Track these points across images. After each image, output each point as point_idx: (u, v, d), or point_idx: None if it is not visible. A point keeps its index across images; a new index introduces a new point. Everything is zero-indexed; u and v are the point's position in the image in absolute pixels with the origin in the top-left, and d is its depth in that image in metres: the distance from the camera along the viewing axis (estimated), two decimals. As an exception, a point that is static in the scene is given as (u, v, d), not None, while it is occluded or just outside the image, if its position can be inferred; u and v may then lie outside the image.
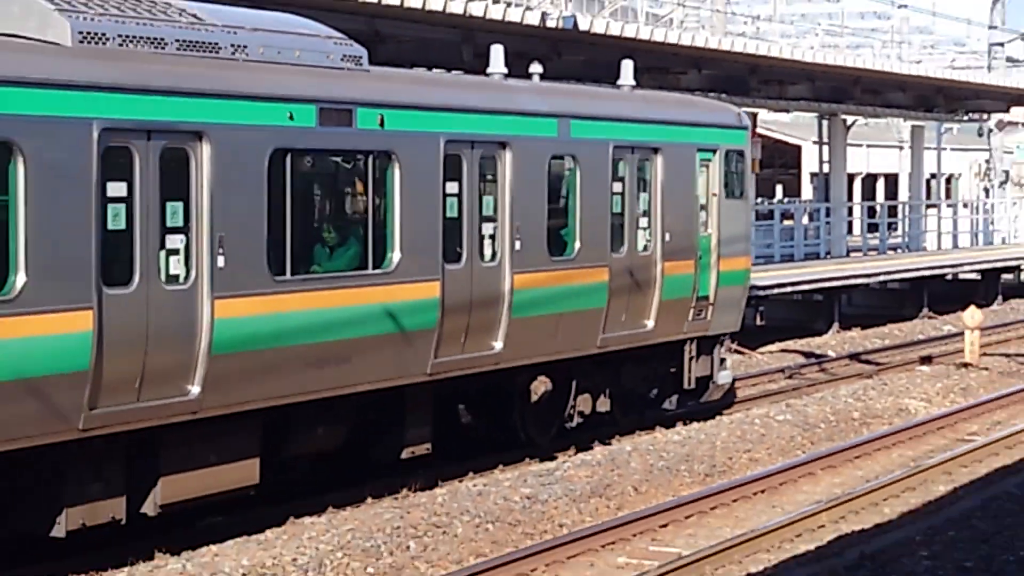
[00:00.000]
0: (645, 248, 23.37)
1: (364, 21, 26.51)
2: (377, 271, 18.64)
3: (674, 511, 19.21)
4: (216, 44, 17.14)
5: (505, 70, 22.15)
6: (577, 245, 21.99)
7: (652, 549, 17.85)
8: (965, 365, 32.30)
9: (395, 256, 18.83)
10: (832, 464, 22.67)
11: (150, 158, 15.76)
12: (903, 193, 76.38)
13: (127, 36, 16.22)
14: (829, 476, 22.11)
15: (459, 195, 20.01)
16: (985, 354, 33.60)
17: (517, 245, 20.77)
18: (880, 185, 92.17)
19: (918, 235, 58.38)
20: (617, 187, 22.77)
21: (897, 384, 29.69)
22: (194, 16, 17.27)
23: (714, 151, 24.82)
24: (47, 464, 15.55)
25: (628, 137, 22.95)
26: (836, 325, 38.89)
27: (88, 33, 15.85)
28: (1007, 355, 34.56)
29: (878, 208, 61.74)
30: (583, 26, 31.04)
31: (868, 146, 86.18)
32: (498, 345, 20.67)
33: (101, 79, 15.45)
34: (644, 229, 23.38)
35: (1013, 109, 61.76)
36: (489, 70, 22.20)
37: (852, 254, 52.25)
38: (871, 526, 18.93)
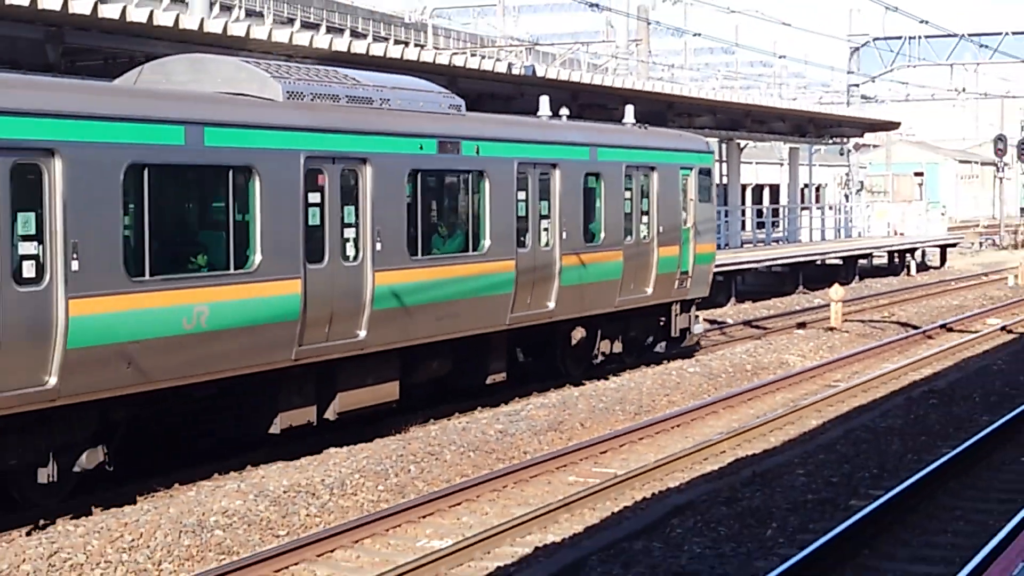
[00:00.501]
0: (645, 237, 25.12)
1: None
2: (474, 252, 20.70)
3: (611, 441, 19.22)
4: (370, 98, 19.02)
5: (550, 112, 24.87)
6: (602, 235, 23.77)
7: (595, 470, 17.85)
8: (831, 329, 32.35)
9: (486, 243, 20.86)
10: (730, 405, 22.69)
11: (335, 175, 17.77)
12: (783, 199, 76.49)
13: (316, 94, 18.00)
14: (728, 414, 22.13)
15: (526, 200, 21.86)
16: (846, 320, 33.64)
17: (564, 235, 22.60)
18: (766, 193, 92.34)
19: (795, 230, 58.46)
20: (627, 195, 24.63)
21: (779, 343, 29.72)
22: (355, 80, 19.16)
23: (691, 168, 26.69)
24: (270, 383, 17.17)
25: (635, 159, 24.89)
26: (733, 299, 38.91)
27: (292, 92, 17.64)
28: (863, 321, 34.61)
29: (764, 210, 61.78)
30: (540, 73, 31.02)
31: (756, 163, 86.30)
32: (552, 304, 22.38)
33: (303, 123, 17.32)
34: (645, 224, 25.16)
35: (866, 134, 62.00)
36: (539, 113, 24.82)
37: (745, 245, 52.28)
38: (760, 451, 18.96)
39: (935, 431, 19.94)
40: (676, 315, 26.63)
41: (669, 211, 25.76)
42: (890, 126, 59.80)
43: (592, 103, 34.19)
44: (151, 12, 20.43)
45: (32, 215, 13.80)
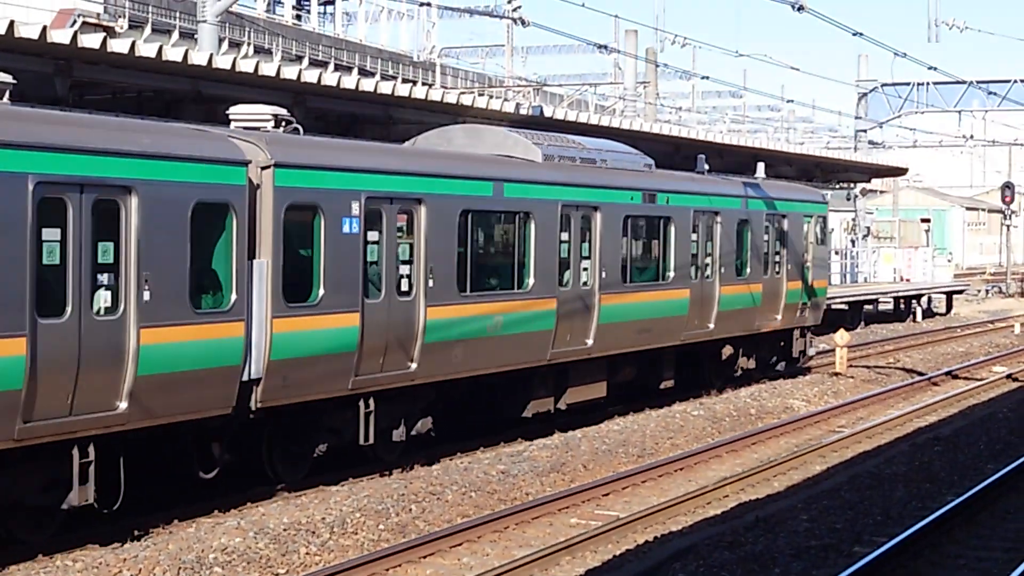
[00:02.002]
0: (777, 273, 29.92)
1: (381, 108, 26.48)
2: (662, 281, 25.59)
3: (614, 483, 19.16)
4: (594, 159, 24.02)
5: (706, 167, 29.30)
6: (748, 270, 28.59)
7: (597, 512, 17.80)
8: (836, 374, 32.31)
9: (671, 274, 25.82)
10: (734, 448, 22.64)
11: (577, 219, 22.75)
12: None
13: (560, 156, 23.07)
14: (732, 458, 22.08)
15: (698, 241, 26.58)
16: (851, 366, 33.60)
17: (723, 270, 27.49)
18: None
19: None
20: (766, 237, 29.42)
21: (784, 388, 29.67)
22: (581, 144, 24.12)
23: (811, 216, 31.63)
24: (526, 378, 22.03)
25: (773, 209, 29.78)
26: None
27: (547, 155, 22.73)
28: (868, 367, 34.56)
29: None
30: (547, 113, 31.11)
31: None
32: (712, 326, 27.15)
33: (559, 179, 22.30)
34: (777, 262, 29.95)
35: (873, 180, 62.00)
36: (696, 168, 29.13)
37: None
38: (764, 496, 18.91)
39: (940, 478, 19.87)
40: (796, 339, 31.44)
41: (795, 252, 30.70)
42: (897, 172, 59.87)
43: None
44: (160, 47, 20.51)
45: (408, 246, 19.05)
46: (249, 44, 70.04)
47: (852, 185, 61.31)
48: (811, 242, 31.56)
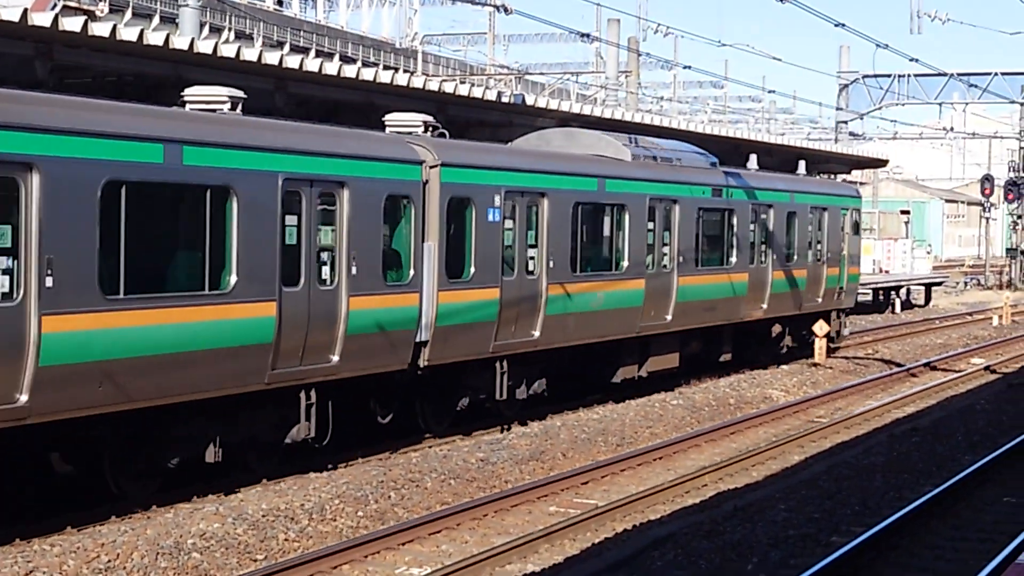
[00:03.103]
0: (819, 259, 33.21)
1: (361, 94, 26.43)
2: (724, 266, 28.89)
3: (593, 472, 19.20)
4: (670, 159, 27.12)
5: (756, 166, 32.43)
6: (795, 256, 32.00)
7: (576, 501, 17.83)
8: (815, 365, 32.41)
9: (733, 259, 29.01)
10: (713, 438, 22.69)
11: (661, 211, 26.02)
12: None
13: (647, 156, 26.38)
14: (711, 447, 22.13)
15: (754, 230, 29.96)
16: (830, 357, 33.70)
17: (774, 256, 30.81)
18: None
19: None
20: (810, 228, 32.72)
21: (763, 378, 29.76)
22: (661, 146, 27.38)
23: (848, 209, 35.00)
24: (618, 348, 25.29)
25: (816, 202, 33.09)
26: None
27: (635, 155, 25.97)
28: (847, 358, 34.66)
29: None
30: (529, 102, 31.06)
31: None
32: (765, 306, 30.48)
33: (646, 176, 25.73)
34: (819, 249, 33.26)
35: (853, 171, 62.06)
36: (748, 165, 32.36)
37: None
38: (742, 485, 18.96)
39: (918, 469, 19.96)
40: (834, 319, 34.60)
41: (833, 241, 33.95)
42: (878, 163, 59.91)
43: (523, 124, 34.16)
44: (141, 31, 20.42)
45: (534, 233, 22.29)
46: (230, 29, 69.79)
47: (833, 176, 61.37)
48: (847, 232, 34.82)
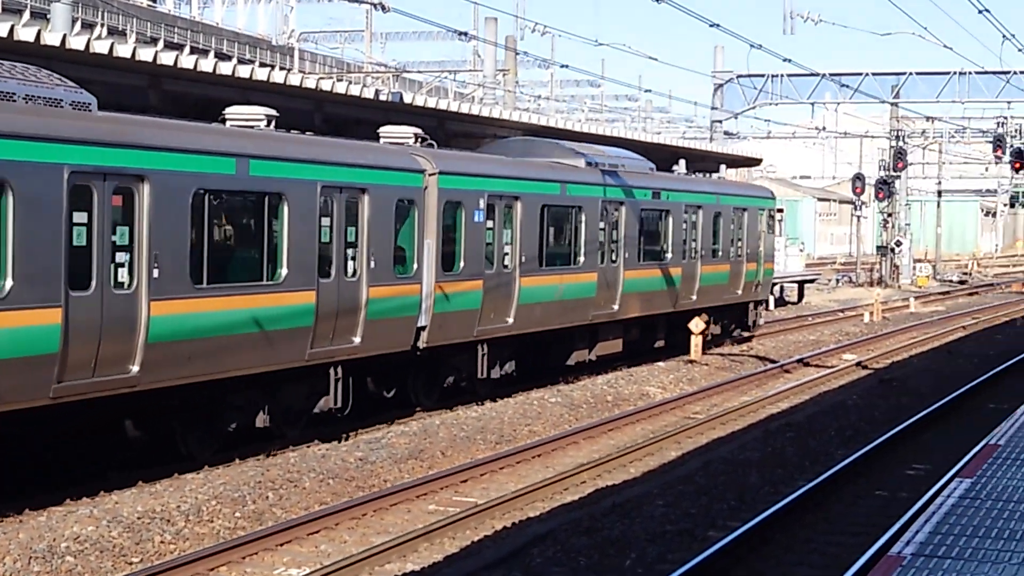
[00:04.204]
0: (738, 256, 36.32)
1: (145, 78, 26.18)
2: (664, 261, 32.27)
3: (472, 470, 19.22)
4: (616, 165, 30.13)
5: (685, 171, 37.00)
6: (720, 253, 35.15)
7: (455, 499, 17.84)
8: (691, 362, 32.70)
9: (669, 255, 32.31)
10: (591, 435, 22.81)
11: (611, 212, 29.00)
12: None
13: (598, 163, 29.23)
14: (589, 444, 22.25)
15: (686, 229, 33.08)
16: (706, 353, 34.01)
17: (703, 253, 33.86)
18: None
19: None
20: (732, 227, 35.89)
21: (640, 375, 29.98)
22: (603, 151, 30.31)
23: (763, 209, 38.23)
24: (573, 334, 28.33)
25: (736, 203, 36.36)
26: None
27: (589, 162, 28.88)
28: (722, 354, 35.01)
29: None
30: (407, 99, 30.99)
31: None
32: (695, 297, 33.61)
33: (598, 181, 28.70)
34: (740, 247, 36.40)
35: (728, 169, 62.62)
36: (674, 168, 36.59)
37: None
38: (620, 482, 19.09)
39: (792, 464, 20.24)
40: (751, 311, 38.37)
41: (752, 239, 37.16)
42: (752, 162, 60.64)
43: (459, 132, 34.25)
44: (12, 26, 20.06)
45: (509, 232, 25.47)
46: (103, 25, 68.82)
47: (708, 175, 61.97)
48: (763, 231, 38.19)
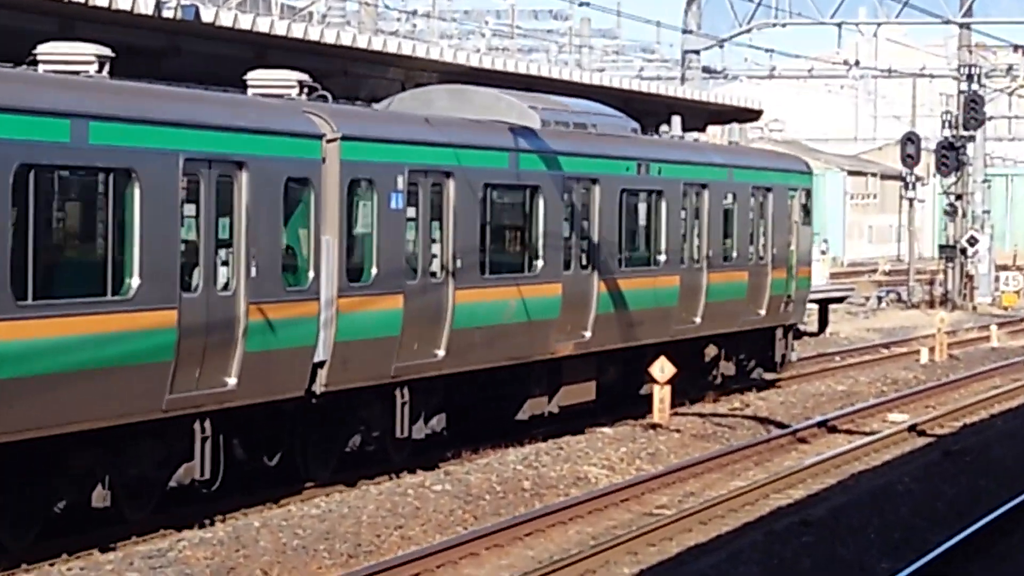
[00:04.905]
0: (760, 259, 38.69)
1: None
2: (653, 266, 34.84)
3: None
4: (584, 124, 32.84)
5: (681, 132, 41.23)
6: (736, 254, 37.65)
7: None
8: (654, 426, 32.72)
9: (662, 258, 34.83)
10: (498, 543, 22.76)
11: (578, 190, 31.78)
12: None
13: (558, 122, 31.82)
14: (495, 557, 22.19)
15: (686, 217, 36.04)
16: (676, 414, 34.03)
17: (711, 254, 36.50)
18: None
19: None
20: (751, 216, 38.49)
21: (575, 448, 29.98)
22: (569, 108, 33.07)
23: (795, 189, 40.46)
24: (528, 375, 30.75)
25: (757, 180, 38.64)
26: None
27: (546, 120, 31.19)
28: (700, 415, 35.10)
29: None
30: (208, 18, 30.91)
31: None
32: (699, 319, 35.81)
33: (560, 148, 30.81)
34: (761, 245, 38.78)
35: (710, 127, 62.62)
36: (663, 129, 39.87)
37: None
38: (544, 617, 19.07)
39: (810, 586, 20.36)
40: (778, 340, 40.09)
41: (780, 234, 39.64)
42: (747, 115, 60.92)
43: (284, 63, 34.26)
44: None
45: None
46: None
47: (680, 136, 62.16)
48: (796, 221, 40.64)
